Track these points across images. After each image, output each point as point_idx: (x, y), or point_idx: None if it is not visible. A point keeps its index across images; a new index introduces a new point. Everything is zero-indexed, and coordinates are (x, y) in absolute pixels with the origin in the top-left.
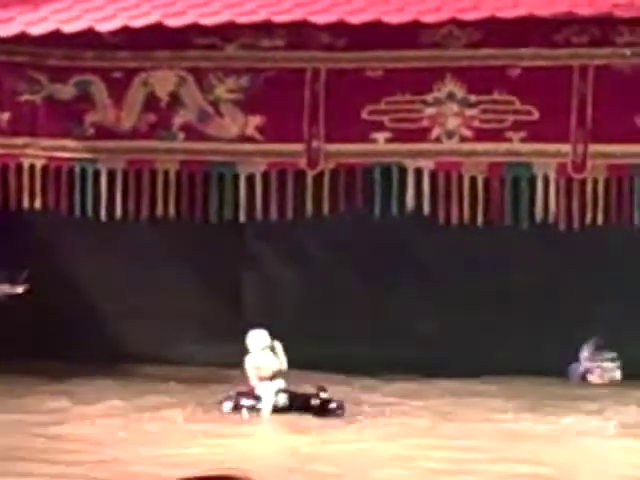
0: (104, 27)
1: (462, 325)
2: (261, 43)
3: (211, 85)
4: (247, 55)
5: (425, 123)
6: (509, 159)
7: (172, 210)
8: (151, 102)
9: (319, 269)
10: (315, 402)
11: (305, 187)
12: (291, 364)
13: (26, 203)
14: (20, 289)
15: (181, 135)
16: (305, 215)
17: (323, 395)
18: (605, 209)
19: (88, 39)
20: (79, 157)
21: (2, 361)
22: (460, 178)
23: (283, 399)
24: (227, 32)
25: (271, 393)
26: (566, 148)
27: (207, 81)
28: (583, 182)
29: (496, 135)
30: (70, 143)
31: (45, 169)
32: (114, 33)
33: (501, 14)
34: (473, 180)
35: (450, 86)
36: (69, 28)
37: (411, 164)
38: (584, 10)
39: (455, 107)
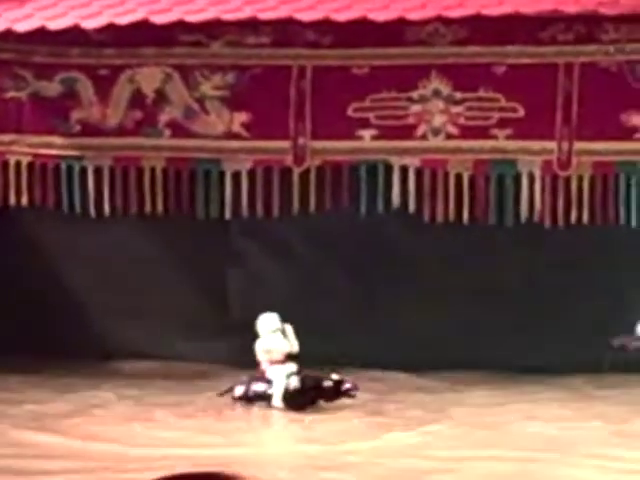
0: (90, 24)
1: (446, 322)
2: (247, 40)
3: (197, 82)
4: (233, 52)
5: (411, 120)
6: (494, 156)
7: (160, 207)
8: (137, 99)
9: (305, 266)
10: (327, 384)
11: (291, 184)
12: None
13: (12, 200)
14: None
15: (167, 132)
16: (291, 212)
17: (335, 376)
18: (590, 207)
19: (74, 36)
20: (65, 154)
21: None
22: (446, 175)
23: (295, 382)
24: (213, 29)
25: (282, 377)
26: (551, 145)
27: (193, 78)
28: (568, 180)
29: (481, 132)
30: (56, 140)
31: (31, 166)
32: (100, 30)
33: (487, 12)
34: (458, 177)
35: (436, 83)
36: (55, 25)
37: (397, 161)
38: (570, 8)
39: (441, 104)
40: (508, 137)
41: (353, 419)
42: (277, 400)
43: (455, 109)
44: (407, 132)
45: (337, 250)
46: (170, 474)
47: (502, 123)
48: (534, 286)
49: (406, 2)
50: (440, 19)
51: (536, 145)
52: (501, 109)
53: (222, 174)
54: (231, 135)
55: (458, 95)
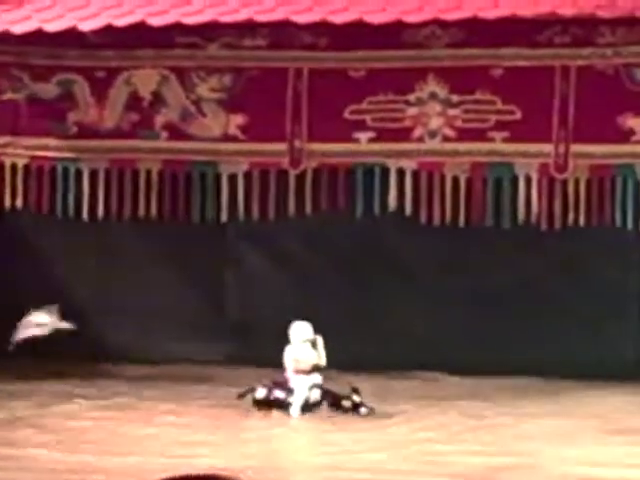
0: (87, 26)
1: (443, 325)
2: (243, 42)
3: (193, 84)
4: (229, 54)
5: (407, 123)
6: (491, 159)
7: (154, 210)
8: (134, 101)
9: (301, 268)
10: (347, 403)
11: (287, 187)
12: (273, 362)
13: (7, 202)
14: (68, 325)
15: (164, 134)
16: (287, 215)
17: (356, 398)
18: (587, 209)
19: (71, 38)
20: (61, 156)
21: None
22: (442, 178)
23: (315, 395)
24: (210, 31)
25: (305, 388)
26: (548, 148)
27: (189, 80)
28: (565, 182)
29: (478, 135)
30: (52, 142)
31: (27, 168)
32: (97, 32)
33: (483, 14)
34: (455, 180)
35: (432, 86)
36: (52, 27)
37: (393, 164)
38: (566, 10)
39: (437, 107)
40: (505, 140)
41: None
42: (295, 410)
43: (452, 112)
44: (404, 135)
45: (333, 253)
46: (167, 476)
47: (499, 126)
48: (531, 289)
49: (403, 5)
50: (437, 22)
51: (533, 148)
52: (498, 112)
53: (218, 176)
54: (227, 137)
55: (455, 98)
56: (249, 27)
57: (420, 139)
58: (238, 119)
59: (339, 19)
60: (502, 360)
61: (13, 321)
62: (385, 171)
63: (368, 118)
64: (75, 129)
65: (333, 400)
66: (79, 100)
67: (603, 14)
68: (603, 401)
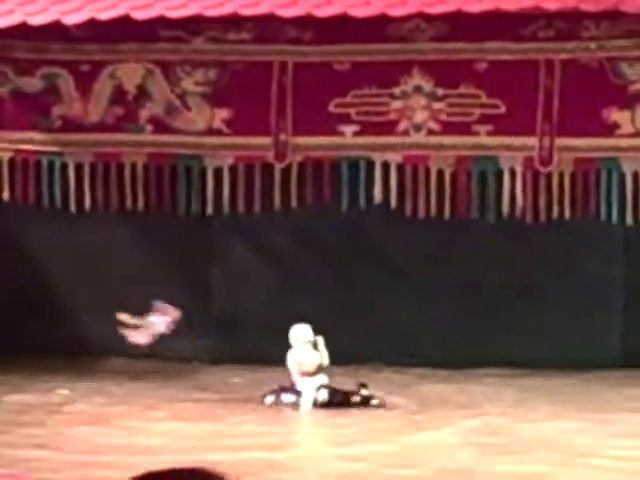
0: (71, 20)
1: (429, 317)
2: (228, 36)
3: (178, 78)
4: (214, 48)
5: (392, 116)
6: (476, 153)
7: (140, 203)
8: (118, 95)
9: (287, 262)
10: (356, 399)
11: (273, 180)
12: (259, 357)
13: None
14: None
15: (148, 128)
16: (273, 208)
17: (364, 392)
18: (571, 203)
19: (55, 32)
20: (46, 150)
21: None
22: (427, 171)
23: (323, 395)
24: (194, 25)
25: (312, 389)
26: (532, 142)
27: (174, 74)
28: (549, 176)
29: (463, 128)
30: (37, 136)
31: (12, 162)
32: (81, 26)
33: (468, 8)
34: (440, 173)
35: (417, 79)
36: (36, 21)
37: (378, 157)
38: (551, 4)
39: (422, 100)
40: (489, 133)
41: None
42: (306, 411)
43: (437, 105)
44: (389, 128)
45: (319, 246)
46: (155, 469)
47: (483, 119)
48: (516, 281)
49: None
50: (421, 15)
51: (517, 141)
52: (482, 105)
53: (203, 170)
54: (212, 131)
55: (439, 91)
56: (234, 21)
57: (405, 132)
58: (223, 113)
59: (323, 13)
60: (488, 352)
61: None
62: (370, 164)
63: (353, 112)
64: (60, 123)
65: (342, 398)
66: (64, 94)
67: (587, 8)
68: (588, 391)
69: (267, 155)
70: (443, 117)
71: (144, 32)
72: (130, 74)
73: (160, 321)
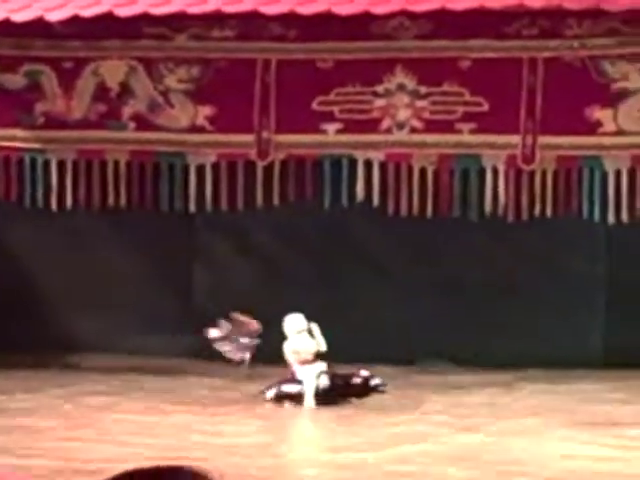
0: (54, 16)
1: (411, 315)
2: (212, 33)
3: (161, 75)
4: (197, 45)
5: (375, 114)
6: (459, 151)
7: (123, 200)
8: (101, 92)
9: (269, 259)
10: (356, 380)
11: (255, 178)
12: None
13: None
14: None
15: (131, 125)
16: (255, 206)
17: (364, 373)
18: (554, 201)
19: (38, 28)
20: (29, 147)
21: None
22: (410, 169)
23: (325, 381)
24: (177, 22)
25: (312, 377)
26: (515, 140)
27: (157, 71)
28: (532, 174)
29: (446, 126)
30: (20, 133)
31: None
32: (64, 22)
33: (451, 6)
34: (423, 171)
35: (400, 77)
36: (19, 17)
37: (361, 155)
38: (534, 3)
39: (405, 98)
40: (472, 131)
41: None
42: (310, 400)
43: (420, 103)
44: (371, 126)
45: (302, 243)
46: (135, 468)
47: (466, 117)
48: (498, 280)
49: None
50: (405, 13)
51: (500, 139)
52: (466, 103)
53: (186, 167)
54: (195, 128)
55: (423, 89)
56: (217, 18)
57: (388, 130)
58: (206, 110)
59: (307, 10)
60: (469, 350)
61: None
62: (353, 162)
63: (336, 109)
64: (42, 120)
65: (343, 381)
66: (46, 91)
67: (570, 6)
68: (569, 391)
69: (250, 153)
70: (426, 115)
71: (127, 29)
72: (113, 71)
73: (247, 341)
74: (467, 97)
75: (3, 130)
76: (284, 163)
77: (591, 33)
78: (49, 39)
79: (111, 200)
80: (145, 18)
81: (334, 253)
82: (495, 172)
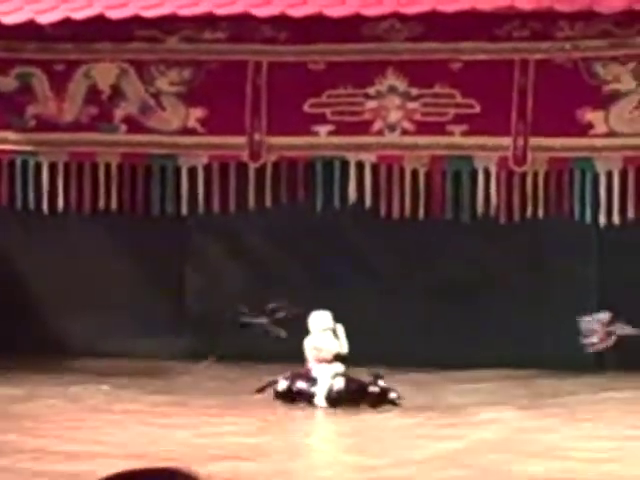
0: (46, 19)
1: (402, 317)
2: (203, 36)
3: (153, 77)
4: (189, 48)
5: (367, 116)
6: (451, 152)
7: (114, 203)
8: (93, 94)
9: (261, 262)
10: (373, 389)
11: (247, 180)
12: (234, 356)
13: None
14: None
15: (123, 127)
16: (247, 208)
17: (382, 383)
18: (545, 202)
19: (29, 31)
20: (20, 150)
21: None
22: (402, 171)
23: (340, 383)
24: (169, 24)
25: (328, 376)
26: (507, 141)
27: (149, 73)
28: (524, 175)
29: (438, 128)
30: (11, 135)
31: None
32: (55, 25)
33: (442, 8)
34: (415, 173)
35: (392, 79)
36: (10, 19)
37: (353, 157)
38: (525, 5)
39: (397, 100)
40: (464, 133)
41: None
42: (320, 399)
43: (411, 105)
44: (363, 128)
45: (293, 245)
46: (127, 469)
47: (458, 119)
48: (490, 281)
49: None
50: (396, 15)
51: (492, 141)
52: (457, 105)
53: (178, 170)
54: (187, 131)
55: (414, 91)
56: (208, 20)
57: (379, 132)
58: (197, 112)
59: (298, 13)
60: (462, 352)
61: None
62: (344, 164)
63: (327, 111)
64: (34, 122)
65: (358, 387)
66: (38, 93)
67: (561, 8)
68: (560, 393)
69: (242, 155)
70: (417, 117)
71: (119, 32)
72: (105, 74)
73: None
74: (458, 99)
75: None
76: (276, 165)
77: (583, 35)
78: (40, 41)
79: (102, 203)
80: (136, 20)
81: (326, 255)
82: (487, 174)
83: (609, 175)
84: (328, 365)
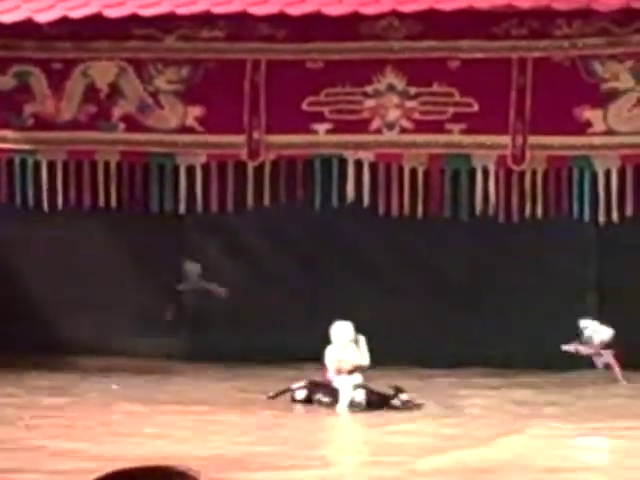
0: (43, 18)
1: (400, 315)
2: (201, 34)
3: (151, 76)
4: (187, 46)
5: (365, 115)
6: (449, 151)
7: (113, 201)
8: (91, 93)
9: (259, 260)
10: (395, 403)
11: (246, 178)
12: (231, 355)
13: None
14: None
15: (121, 126)
16: (246, 206)
17: (404, 397)
18: (544, 201)
19: (27, 29)
20: (19, 148)
21: None
22: (400, 170)
23: (360, 395)
24: (166, 23)
25: (349, 388)
26: (505, 140)
27: (147, 72)
28: (522, 174)
29: (436, 127)
30: (10, 134)
31: None
32: (53, 24)
33: (440, 6)
34: (413, 172)
35: (390, 78)
36: (8, 18)
37: (351, 155)
38: (523, 3)
39: (395, 99)
40: (462, 132)
41: None
42: (343, 408)
43: (409, 104)
44: (361, 126)
45: (291, 244)
46: (122, 468)
47: (456, 118)
48: (488, 280)
49: None
50: (394, 14)
51: (490, 140)
52: (455, 104)
53: (176, 168)
54: (185, 129)
55: (412, 90)
56: (206, 19)
57: (378, 131)
58: (196, 111)
59: (297, 11)
60: (459, 351)
61: None
62: (343, 162)
63: (326, 110)
64: (32, 121)
65: (380, 399)
66: (36, 92)
67: (559, 6)
68: (560, 392)
69: (240, 153)
70: (416, 115)
71: (116, 30)
72: (103, 72)
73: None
74: (457, 97)
75: None
76: (274, 163)
77: (581, 33)
78: (38, 40)
79: (101, 201)
80: (134, 19)
81: (324, 253)
82: (485, 172)
83: (607, 173)
84: (348, 376)
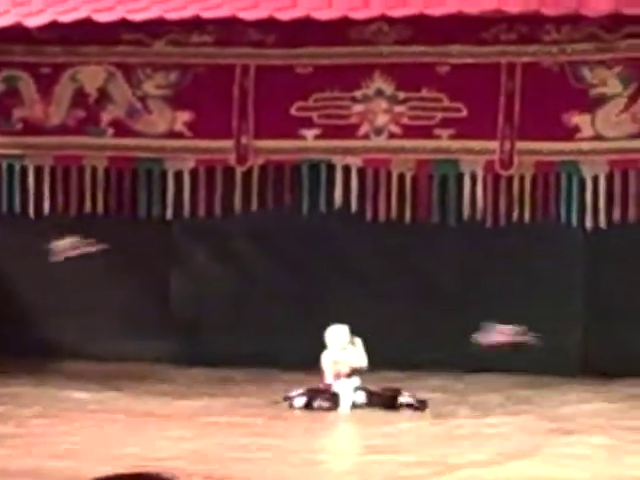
0: (33, 22)
1: (388, 321)
2: (190, 39)
3: (140, 81)
4: (176, 51)
5: (354, 120)
6: (437, 156)
7: (100, 207)
8: (79, 98)
9: (247, 266)
10: (400, 402)
11: (234, 183)
12: (220, 360)
13: None
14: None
15: (110, 131)
16: (234, 211)
17: (407, 399)
18: (532, 206)
19: (16, 34)
20: (6, 153)
21: None
22: (388, 175)
23: (361, 397)
24: (156, 28)
25: (350, 390)
26: (493, 145)
27: (136, 77)
28: (510, 179)
29: (424, 132)
30: None
31: None
32: (42, 28)
33: (430, 11)
34: (401, 177)
35: (379, 83)
36: None
37: (339, 161)
38: (512, 8)
39: (384, 104)
40: (451, 137)
41: None
42: (345, 412)
43: (398, 109)
44: (350, 131)
45: (279, 249)
46: (111, 474)
47: (445, 123)
48: (476, 285)
49: (350, 1)
50: (384, 18)
51: (478, 145)
52: (444, 109)
53: (164, 173)
54: (173, 134)
55: (401, 95)
56: (195, 24)
57: (366, 136)
58: (184, 116)
59: (286, 16)
60: (448, 355)
61: None
62: (331, 168)
63: (314, 115)
64: (20, 126)
65: (381, 401)
66: (24, 96)
67: (548, 11)
68: (545, 396)
69: (228, 158)
70: (404, 120)
71: (106, 35)
72: (91, 77)
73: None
74: (445, 103)
75: None
76: (262, 169)
77: (570, 38)
78: (27, 45)
79: (88, 206)
80: (123, 24)
81: (312, 259)
82: (473, 177)
83: (595, 179)
84: (347, 380)
